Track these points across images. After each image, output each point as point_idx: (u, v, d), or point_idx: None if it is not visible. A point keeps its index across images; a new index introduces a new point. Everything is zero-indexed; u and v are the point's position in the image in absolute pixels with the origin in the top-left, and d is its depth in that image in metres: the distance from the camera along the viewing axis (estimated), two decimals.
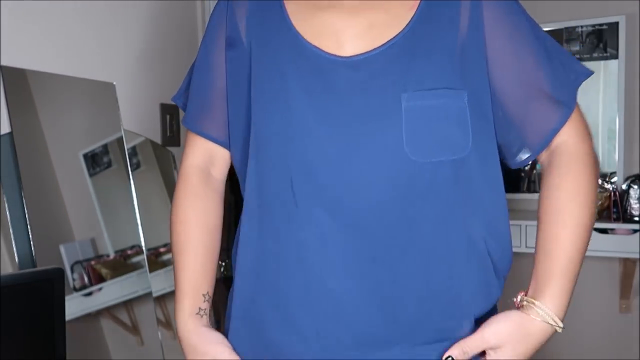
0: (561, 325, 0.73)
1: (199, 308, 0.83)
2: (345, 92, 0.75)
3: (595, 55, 2.24)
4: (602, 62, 2.24)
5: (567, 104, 0.77)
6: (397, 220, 0.73)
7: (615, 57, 2.20)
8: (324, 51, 0.76)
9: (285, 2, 0.81)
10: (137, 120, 1.59)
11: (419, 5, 0.77)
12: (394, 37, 0.75)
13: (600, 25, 2.21)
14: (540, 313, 0.73)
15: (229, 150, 0.88)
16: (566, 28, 2.27)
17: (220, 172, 0.91)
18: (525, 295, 0.77)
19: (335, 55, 0.76)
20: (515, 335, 0.73)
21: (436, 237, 0.74)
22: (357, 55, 0.75)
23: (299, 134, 0.75)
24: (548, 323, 0.73)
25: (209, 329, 0.82)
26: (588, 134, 0.80)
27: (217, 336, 0.81)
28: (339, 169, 0.74)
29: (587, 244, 0.80)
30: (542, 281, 0.76)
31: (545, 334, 0.73)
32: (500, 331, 0.73)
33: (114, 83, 1.49)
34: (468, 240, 0.76)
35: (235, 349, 0.81)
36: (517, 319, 0.74)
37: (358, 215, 0.73)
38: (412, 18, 0.76)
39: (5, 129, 1.23)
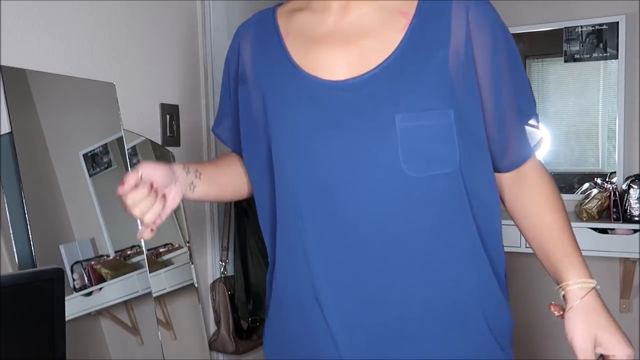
0: (595, 282, 0.81)
1: (188, 167, 0.90)
2: (342, 114, 0.81)
3: (595, 55, 2.24)
4: (602, 62, 2.24)
5: (538, 129, 0.87)
6: (400, 230, 0.80)
7: (615, 57, 2.20)
8: (319, 78, 0.83)
9: (284, 37, 0.88)
10: (137, 120, 1.59)
11: (409, 27, 0.81)
12: (385, 60, 0.80)
13: (600, 25, 2.21)
14: (580, 287, 0.80)
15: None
16: (566, 28, 2.27)
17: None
18: (558, 286, 0.84)
19: (330, 80, 0.82)
20: (591, 321, 0.79)
21: (436, 243, 0.81)
22: (350, 79, 0.81)
23: (306, 159, 0.83)
24: (591, 288, 0.80)
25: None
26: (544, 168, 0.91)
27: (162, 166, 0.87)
28: (343, 188, 0.81)
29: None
30: (562, 264, 0.83)
31: (595, 295, 0.81)
32: (582, 333, 0.79)
33: (114, 83, 1.49)
34: (467, 244, 0.82)
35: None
36: (578, 314, 0.80)
37: (360, 228, 0.80)
38: (402, 40, 0.80)
39: (5, 129, 1.23)
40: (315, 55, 0.85)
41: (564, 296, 0.82)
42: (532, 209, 0.88)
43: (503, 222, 0.90)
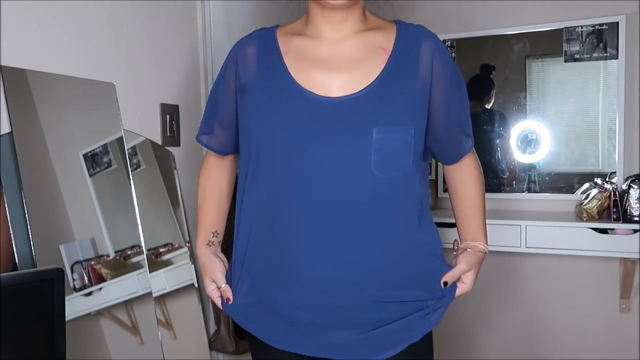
0: (486, 248, 1.19)
1: (209, 240, 1.21)
2: (331, 124, 1.02)
3: (595, 55, 2.24)
4: (602, 62, 2.24)
5: (472, 140, 1.18)
6: (366, 214, 1.04)
7: (615, 57, 2.20)
8: (314, 93, 1.03)
9: (283, 55, 1.07)
10: (137, 120, 1.59)
11: (387, 61, 1.05)
12: (368, 85, 1.03)
13: (600, 25, 2.21)
14: (481, 247, 1.18)
15: (228, 154, 1.23)
16: (566, 28, 2.27)
17: (229, 157, 1.25)
18: (465, 241, 1.21)
19: (323, 97, 1.03)
20: (474, 262, 1.16)
21: (391, 222, 1.06)
22: (340, 97, 1.03)
23: (295, 156, 1.03)
24: (484, 252, 1.18)
25: (215, 256, 1.19)
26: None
27: (220, 264, 1.18)
28: (324, 182, 1.02)
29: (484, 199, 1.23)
30: (474, 230, 1.20)
31: (483, 254, 1.18)
32: (468, 262, 1.15)
33: (114, 83, 1.50)
34: (412, 221, 1.10)
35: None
36: (473, 255, 1.17)
37: (334, 214, 1.03)
38: (382, 71, 1.04)
39: (5, 129, 1.23)
40: (311, 75, 1.05)
41: (469, 246, 1.18)
42: (464, 189, 1.21)
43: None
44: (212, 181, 1.24)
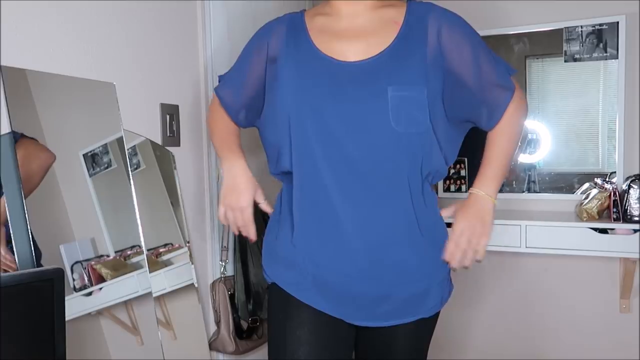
0: (495, 200, 1.22)
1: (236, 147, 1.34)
2: (349, 84, 1.14)
3: (595, 55, 2.24)
4: (602, 62, 2.24)
5: (510, 89, 1.19)
6: (387, 168, 1.15)
7: (615, 57, 2.20)
8: (334, 58, 1.17)
9: (309, 31, 1.22)
10: (137, 120, 1.59)
11: (399, 31, 1.17)
12: (382, 51, 1.15)
13: (600, 25, 2.21)
14: (481, 193, 1.20)
15: (234, 117, 1.36)
16: (566, 28, 2.27)
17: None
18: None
19: (342, 61, 1.16)
20: (472, 215, 1.20)
21: (411, 177, 1.17)
22: (357, 61, 1.16)
23: (318, 114, 1.14)
24: (486, 199, 1.20)
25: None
26: (522, 99, 1.24)
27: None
28: (346, 137, 1.13)
29: (512, 155, 1.25)
30: (482, 178, 1.22)
31: (488, 204, 1.21)
32: (461, 222, 1.19)
33: (114, 83, 1.50)
34: (421, 176, 1.20)
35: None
36: (468, 208, 1.21)
37: (360, 165, 1.14)
38: (394, 39, 1.16)
39: (5, 129, 1.23)
40: (332, 44, 1.18)
41: (471, 193, 1.22)
42: (494, 137, 1.22)
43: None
44: (222, 122, 1.37)
